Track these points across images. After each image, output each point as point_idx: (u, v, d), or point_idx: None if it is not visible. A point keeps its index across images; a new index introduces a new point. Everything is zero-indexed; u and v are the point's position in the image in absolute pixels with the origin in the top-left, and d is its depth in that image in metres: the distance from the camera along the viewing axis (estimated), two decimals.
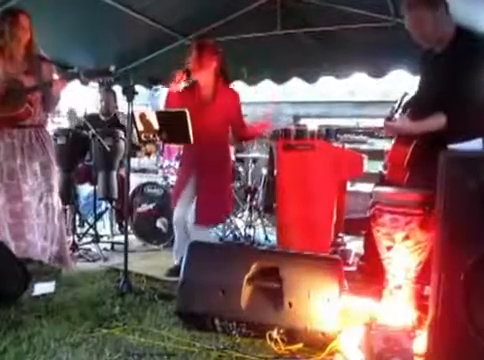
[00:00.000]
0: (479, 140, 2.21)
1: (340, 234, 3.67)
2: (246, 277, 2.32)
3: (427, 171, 2.21)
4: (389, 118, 2.56)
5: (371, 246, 2.64)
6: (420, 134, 2.40)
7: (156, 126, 3.01)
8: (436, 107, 2.33)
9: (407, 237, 2.23)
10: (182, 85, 3.13)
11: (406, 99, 2.57)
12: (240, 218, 4.60)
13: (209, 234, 3.38)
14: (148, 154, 4.51)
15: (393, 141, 2.65)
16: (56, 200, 3.19)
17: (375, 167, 4.02)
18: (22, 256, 2.87)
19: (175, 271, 2.96)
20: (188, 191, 3.24)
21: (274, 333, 2.15)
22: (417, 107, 2.50)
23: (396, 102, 2.58)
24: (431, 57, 2.51)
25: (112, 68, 2.97)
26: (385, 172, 3.51)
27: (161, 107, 3.41)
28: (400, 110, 2.55)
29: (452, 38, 2.38)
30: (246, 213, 4.49)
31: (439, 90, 2.37)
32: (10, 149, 3.04)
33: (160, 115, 3.02)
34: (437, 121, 2.33)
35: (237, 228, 4.39)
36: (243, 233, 4.38)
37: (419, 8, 2.37)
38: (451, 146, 2.19)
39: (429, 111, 2.36)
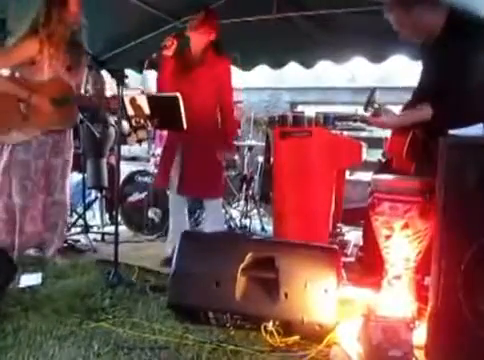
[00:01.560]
0: (480, 125, 2.14)
1: (339, 224, 3.62)
2: (241, 267, 2.24)
3: (430, 160, 2.19)
4: (374, 115, 2.53)
5: (370, 236, 2.60)
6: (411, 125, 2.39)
7: (147, 111, 2.92)
8: (434, 96, 2.30)
9: (406, 226, 2.17)
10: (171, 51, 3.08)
11: (376, 95, 2.55)
12: (236, 208, 4.52)
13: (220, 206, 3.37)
14: (139, 141, 4.41)
15: (390, 132, 2.63)
16: (67, 198, 3.21)
17: (374, 155, 3.95)
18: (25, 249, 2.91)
19: (169, 261, 2.87)
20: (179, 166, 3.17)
21: (269, 325, 2.09)
22: (419, 97, 2.48)
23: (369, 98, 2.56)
24: (427, 48, 2.50)
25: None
26: (384, 160, 3.46)
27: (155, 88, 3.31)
28: (370, 107, 2.54)
29: (443, 26, 2.35)
30: (242, 203, 4.41)
31: (435, 79, 2.37)
32: (43, 147, 3.03)
33: (151, 99, 2.94)
34: (422, 112, 2.32)
35: (232, 218, 4.32)
36: (239, 223, 4.31)
37: (395, 10, 2.41)
38: (451, 132, 2.11)
39: (429, 100, 2.32)
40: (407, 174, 2.43)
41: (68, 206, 3.28)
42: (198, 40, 3.14)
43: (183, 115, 2.88)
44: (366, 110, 2.55)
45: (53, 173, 3.10)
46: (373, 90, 2.54)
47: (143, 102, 2.95)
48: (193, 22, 3.12)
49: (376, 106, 2.50)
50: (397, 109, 2.66)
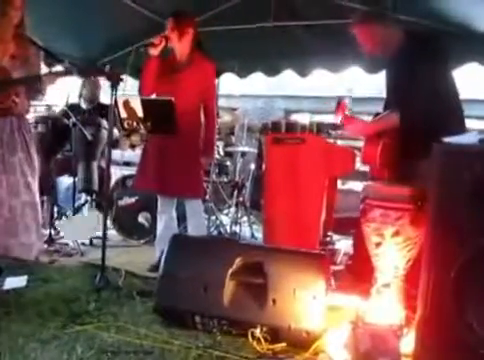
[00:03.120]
0: (474, 133, 2.14)
1: (329, 233, 3.59)
2: (229, 272, 2.22)
3: (401, 168, 2.54)
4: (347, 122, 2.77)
5: (360, 245, 2.60)
6: (382, 133, 2.58)
7: (140, 114, 2.90)
8: (397, 102, 2.53)
9: (397, 233, 2.17)
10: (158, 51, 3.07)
11: (344, 101, 2.83)
12: (226, 215, 4.49)
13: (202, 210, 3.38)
14: (132, 146, 4.38)
15: (363, 143, 2.75)
16: (36, 198, 3.06)
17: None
18: None
19: (157, 267, 2.84)
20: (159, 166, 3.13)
21: (257, 331, 2.07)
22: (385, 106, 2.75)
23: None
24: (388, 61, 2.75)
25: (107, 68, 2.88)
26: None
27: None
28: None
29: (400, 43, 2.59)
30: (232, 209, 4.38)
31: (395, 87, 2.64)
32: None
33: (145, 103, 2.93)
34: (390, 118, 2.54)
35: (222, 225, 4.29)
36: (229, 230, 4.28)
37: (358, 26, 2.69)
38: (445, 139, 2.12)
39: (394, 107, 2.54)
40: (383, 180, 2.58)
41: (38, 205, 3.16)
42: (180, 46, 3.14)
43: (176, 121, 2.87)
44: (336, 118, 2.79)
45: (11, 173, 2.93)
46: (339, 99, 2.79)
47: (136, 105, 2.93)
48: (167, 33, 3.09)
49: (348, 112, 2.72)
50: None
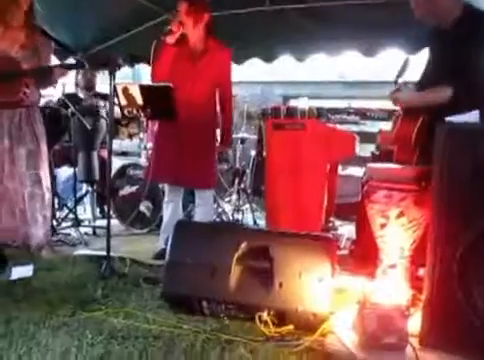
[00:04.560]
0: (476, 112, 2.15)
1: (331, 218, 3.61)
2: (235, 257, 2.23)
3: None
4: (396, 89, 2.54)
5: (363, 230, 2.62)
6: (425, 109, 2.38)
7: (140, 100, 2.88)
8: (452, 78, 2.33)
9: (401, 214, 2.18)
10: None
11: (409, 64, 2.56)
12: (228, 202, 4.49)
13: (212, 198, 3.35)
14: (130, 136, 4.37)
15: (399, 119, 2.61)
16: (45, 190, 3.06)
17: (367, 150, 3.95)
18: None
19: (162, 254, 2.84)
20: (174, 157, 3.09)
21: (264, 315, 2.07)
22: (428, 84, 2.49)
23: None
24: (438, 34, 2.52)
25: (120, 60, 2.84)
26: (377, 153, 3.47)
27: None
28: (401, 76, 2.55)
29: (458, 15, 2.40)
30: (234, 197, 4.38)
31: (448, 66, 2.38)
32: None
33: (144, 89, 2.90)
34: (442, 93, 2.33)
35: (224, 212, 4.29)
36: (231, 217, 4.29)
37: None
38: (448, 119, 2.12)
39: (446, 83, 2.35)
40: (409, 163, 2.41)
41: (48, 200, 3.12)
42: (194, 32, 3.04)
43: (175, 106, 2.85)
44: (398, 79, 2.54)
45: (18, 164, 2.96)
46: (406, 60, 2.56)
47: (135, 92, 2.91)
48: (180, 18, 2.98)
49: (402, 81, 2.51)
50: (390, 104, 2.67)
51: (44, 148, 3.08)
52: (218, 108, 3.27)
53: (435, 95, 2.37)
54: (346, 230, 3.75)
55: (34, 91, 2.94)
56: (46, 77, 2.90)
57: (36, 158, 3.01)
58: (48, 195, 3.11)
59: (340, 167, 3.95)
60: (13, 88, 2.77)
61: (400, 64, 2.58)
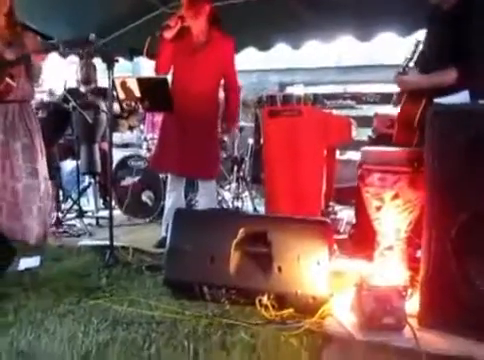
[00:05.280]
0: (466, 92, 2.16)
1: (331, 203, 3.63)
2: (234, 243, 2.27)
3: None
4: (402, 72, 2.53)
5: (362, 213, 2.62)
6: (430, 90, 2.36)
7: (138, 93, 2.92)
8: (447, 63, 2.32)
9: (396, 196, 2.19)
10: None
11: (420, 47, 2.53)
12: (227, 190, 4.53)
13: (214, 188, 3.39)
14: (131, 128, 4.39)
15: (402, 101, 2.60)
16: (41, 182, 3.09)
17: (363, 134, 3.96)
18: None
19: (163, 243, 2.88)
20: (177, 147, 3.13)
21: (264, 299, 2.12)
22: (428, 64, 2.48)
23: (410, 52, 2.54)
24: (438, 16, 2.49)
25: (92, 36, 2.85)
26: (374, 136, 3.48)
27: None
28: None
29: None
30: (233, 185, 4.42)
31: (450, 47, 2.36)
32: None
33: (141, 82, 2.94)
34: (448, 75, 2.32)
35: (224, 200, 4.33)
36: (231, 205, 4.33)
37: None
38: (438, 100, 2.13)
39: (441, 68, 2.35)
40: (408, 146, 2.40)
41: (44, 192, 3.13)
42: (197, 24, 3.04)
43: (171, 97, 2.89)
44: (408, 62, 2.53)
45: (14, 158, 2.99)
46: (417, 43, 2.54)
47: (133, 85, 2.95)
48: (183, 10, 3.00)
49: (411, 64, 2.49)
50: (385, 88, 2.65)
51: (38, 142, 3.12)
52: (222, 97, 3.30)
53: (440, 77, 2.36)
54: (345, 214, 3.79)
55: (24, 84, 2.98)
56: (29, 64, 2.93)
57: (31, 152, 3.05)
58: (44, 187, 3.13)
59: (339, 152, 3.97)
60: None
61: (410, 47, 2.55)
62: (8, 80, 2.82)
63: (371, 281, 2.10)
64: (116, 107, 3.26)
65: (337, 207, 3.89)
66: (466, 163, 1.81)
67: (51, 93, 4.29)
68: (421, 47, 2.56)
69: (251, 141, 4.59)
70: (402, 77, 2.54)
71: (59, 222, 3.75)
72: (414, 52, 2.54)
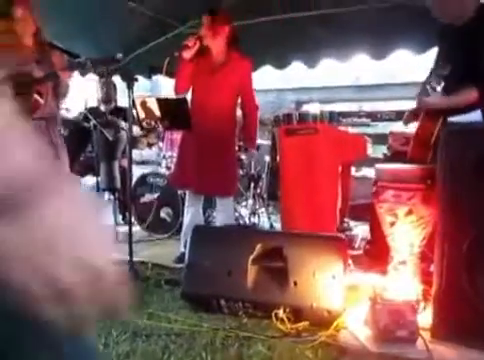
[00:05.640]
0: (478, 112, 2.20)
1: (346, 219, 3.66)
2: (251, 258, 2.33)
3: None
4: (423, 90, 2.52)
5: (377, 229, 2.65)
6: (449, 110, 2.36)
7: (158, 113, 3.02)
8: (462, 82, 2.31)
9: (410, 212, 2.23)
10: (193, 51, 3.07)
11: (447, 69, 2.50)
12: (244, 206, 4.59)
13: (232, 205, 3.44)
14: (150, 145, 4.49)
15: (420, 118, 2.60)
16: None
17: (379, 151, 3.99)
18: None
19: (182, 258, 2.94)
20: (195, 166, 3.19)
21: (280, 312, 2.16)
22: (454, 80, 2.41)
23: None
24: (451, 32, 2.49)
25: (119, 55, 2.96)
26: (389, 154, 3.51)
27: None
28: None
29: (474, 13, 2.38)
30: (250, 201, 4.48)
31: (463, 64, 2.35)
32: None
33: (161, 102, 3.04)
34: (469, 95, 2.31)
35: (241, 216, 4.39)
36: (247, 221, 4.38)
37: None
38: (451, 119, 2.18)
39: (454, 86, 2.35)
40: (423, 163, 2.41)
41: None
42: (215, 44, 3.14)
43: (189, 116, 2.99)
44: (431, 79, 2.51)
45: None
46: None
47: (153, 105, 3.06)
48: (202, 30, 3.11)
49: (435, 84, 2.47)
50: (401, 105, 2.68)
51: (64, 155, 3.22)
52: (239, 115, 3.37)
53: (462, 98, 2.36)
54: (361, 230, 3.80)
55: (51, 101, 3.10)
56: (57, 81, 3.05)
57: (57, 165, 3.15)
58: None
59: (354, 169, 4.00)
60: (26, 96, 2.92)
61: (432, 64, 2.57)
62: (36, 97, 2.94)
63: (385, 295, 2.14)
64: (135, 128, 3.36)
65: (352, 223, 3.91)
66: (477, 180, 1.85)
67: (67, 110, 4.42)
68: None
69: (268, 159, 4.66)
70: (423, 98, 2.52)
71: None
72: (435, 68, 2.55)
